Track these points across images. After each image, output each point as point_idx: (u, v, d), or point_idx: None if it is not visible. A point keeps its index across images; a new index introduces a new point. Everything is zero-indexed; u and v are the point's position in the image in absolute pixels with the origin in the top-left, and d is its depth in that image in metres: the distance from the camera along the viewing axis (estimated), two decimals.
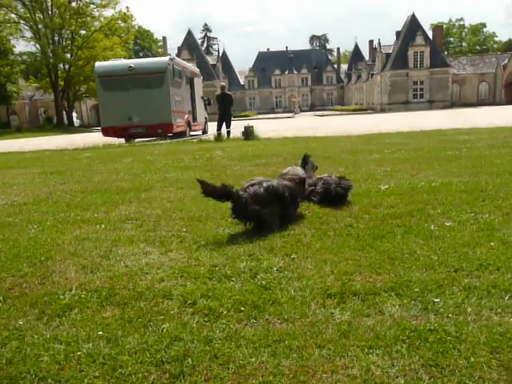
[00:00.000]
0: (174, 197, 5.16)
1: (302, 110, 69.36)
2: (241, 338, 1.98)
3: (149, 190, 5.69)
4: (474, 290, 2.36)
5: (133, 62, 17.86)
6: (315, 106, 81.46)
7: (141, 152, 11.47)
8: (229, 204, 4.57)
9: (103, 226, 3.98)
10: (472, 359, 1.75)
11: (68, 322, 2.21)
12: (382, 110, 56.87)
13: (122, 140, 16.91)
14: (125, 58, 38.45)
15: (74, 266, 2.97)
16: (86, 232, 3.82)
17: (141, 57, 74.48)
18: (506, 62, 61.73)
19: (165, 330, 2.07)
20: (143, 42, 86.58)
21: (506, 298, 2.26)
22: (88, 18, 43.17)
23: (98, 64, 18.01)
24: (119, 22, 44.13)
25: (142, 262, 3.01)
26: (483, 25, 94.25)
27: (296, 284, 2.52)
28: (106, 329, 2.11)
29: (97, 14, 43.58)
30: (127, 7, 44.59)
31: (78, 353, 1.92)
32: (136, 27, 62.29)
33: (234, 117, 49.02)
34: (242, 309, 2.25)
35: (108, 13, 44.48)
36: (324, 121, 33.56)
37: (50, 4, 42.04)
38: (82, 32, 44.14)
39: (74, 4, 43.02)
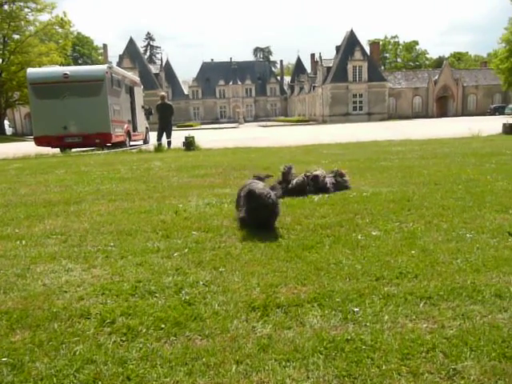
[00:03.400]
0: (104, 210, 4.97)
1: (246, 121, 69.94)
2: (158, 357, 1.92)
3: (79, 202, 5.45)
4: (392, 297, 2.44)
5: (68, 69, 17.16)
6: (259, 116, 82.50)
7: (75, 163, 11.02)
8: (162, 217, 4.51)
9: (24, 241, 3.75)
10: (384, 367, 1.80)
11: None
12: (324, 122, 58.56)
13: (57, 150, 16.18)
14: (62, 64, 37.04)
15: None
16: (4, 249, 3.57)
17: (80, 64, 72.05)
18: (436, 77, 65.83)
19: (77, 353, 1.96)
20: (82, 49, 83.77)
21: (421, 304, 2.35)
22: (22, 23, 41.14)
23: (30, 70, 17.15)
24: (56, 27, 42.38)
25: (61, 279, 2.85)
26: (416, 42, 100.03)
27: (221, 298, 2.49)
28: (13, 354, 1.97)
29: (31, 18, 41.67)
30: (64, 12, 42.57)
31: None
32: (75, 33, 60.20)
33: (178, 126, 48.32)
34: (163, 326, 2.18)
35: (44, 17, 42.76)
36: (267, 131, 33.99)
37: None
38: (16, 36, 42.02)
39: (6, 7, 40.90)
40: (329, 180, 5.71)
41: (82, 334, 2.14)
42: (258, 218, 3.80)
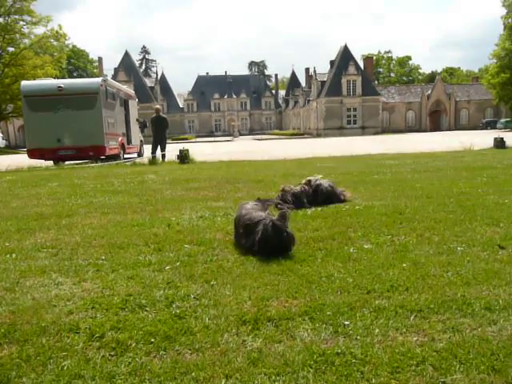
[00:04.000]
0: (97, 223, 4.95)
1: (241, 134, 70.31)
2: (146, 371, 1.90)
3: (71, 215, 5.43)
4: (383, 311, 2.44)
5: (63, 82, 17.21)
6: (254, 129, 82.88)
7: (68, 175, 10.99)
8: (154, 230, 4.50)
9: (14, 255, 3.72)
10: (374, 380, 1.80)
11: None
12: (318, 135, 58.93)
13: (51, 162, 16.15)
14: (56, 77, 37.14)
15: None
16: None
17: (75, 77, 72.33)
18: (429, 92, 66.61)
19: (65, 368, 1.94)
20: (78, 62, 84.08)
21: (412, 317, 2.35)
22: (17, 35, 41.28)
23: (24, 83, 17.17)
24: (51, 40, 42.52)
25: (51, 293, 2.83)
26: (409, 58, 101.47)
27: (212, 312, 2.48)
28: None
29: (26, 31, 41.79)
30: (59, 25, 42.54)
31: None
32: (70, 46, 60.43)
33: (173, 139, 48.21)
34: (152, 340, 2.17)
35: (39, 30, 42.84)
36: (262, 145, 34.13)
37: None
38: (10, 49, 42.11)
39: (1, 20, 41.05)
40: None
41: (71, 348, 2.12)
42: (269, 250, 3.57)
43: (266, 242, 3.53)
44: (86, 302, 2.66)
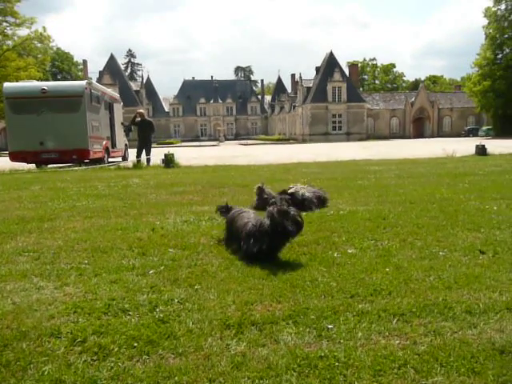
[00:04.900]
0: (80, 227, 4.90)
1: (226, 139, 70.35)
2: (129, 376, 1.88)
3: (53, 219, 5.36)
4: (366, 314, 2.46)
5: (47, 84, 17.03)
6: (240, 134, 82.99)
7: (51, 179, 10.83)
8: (138, 234, 4.47)
9: None
10: (356, 383, 1.81)
11: None
12: (304, 141, 59.24)
13: (33, 165, 15.91)
14: (40, 79, 36.70)
15: None
16: None
17: (59, 79, 71.59)
18: (413, 99, 67.58)
19: (46, 373, 1.91)
20: (62, 65, 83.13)
21: (394, 321, 2.38)
22: (0, 36, 40.77)
23: (6, 85, 16.91)
24: (35, 42, 42.04)
25: (32, 298, 2.78)
26: (393, 65, 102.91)
27: (195, 316, 2.47)
28: None
29: (10, 32, 41.27)
30: (44, 27, 42.11)
31: None
32: (54, 49, 59.82)
33: (158, 144, 47.97)
34: (135, 345, 2.15)
35: (23, 32, 42.21)
36: (247, 149, 34.16)
37: None
38: None
39: None
40: (310, 195, 5.78)
41: (52, 353, 2.09)
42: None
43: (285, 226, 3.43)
44: (67, 306, 2.63)
